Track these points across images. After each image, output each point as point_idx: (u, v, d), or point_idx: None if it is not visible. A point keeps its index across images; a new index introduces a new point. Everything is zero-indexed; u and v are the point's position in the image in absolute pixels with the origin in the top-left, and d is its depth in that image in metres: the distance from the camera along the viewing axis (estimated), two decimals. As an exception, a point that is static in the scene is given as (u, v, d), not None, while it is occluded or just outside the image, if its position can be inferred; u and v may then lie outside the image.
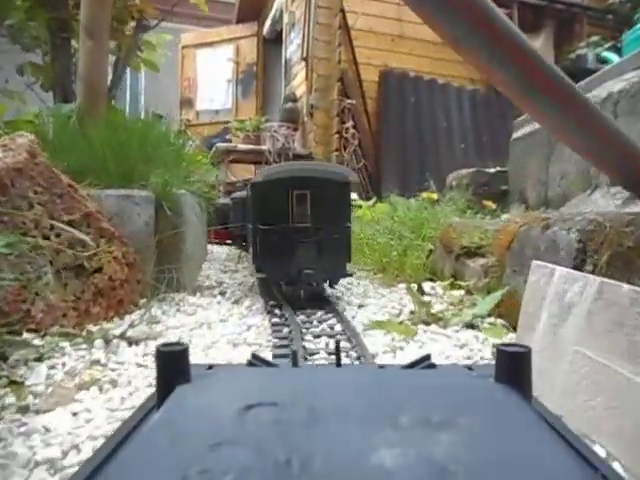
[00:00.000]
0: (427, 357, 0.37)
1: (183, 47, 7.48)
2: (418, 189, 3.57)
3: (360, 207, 2.47)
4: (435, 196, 2.32)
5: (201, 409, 0.25)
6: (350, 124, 4.91)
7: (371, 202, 2.52)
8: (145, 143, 1.68)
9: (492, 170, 3.18)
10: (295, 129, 5.41)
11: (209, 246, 2.95)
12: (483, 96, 5.29)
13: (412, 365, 0.36)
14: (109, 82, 2.29)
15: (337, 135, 4.91)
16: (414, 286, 1.30)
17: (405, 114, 5.00)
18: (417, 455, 0.20)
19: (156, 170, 1.56)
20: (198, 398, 0.27)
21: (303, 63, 5.47)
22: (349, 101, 4.89)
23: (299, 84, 5.64)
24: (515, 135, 2.93)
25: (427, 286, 1.41)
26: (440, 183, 3.43)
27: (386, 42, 5.15)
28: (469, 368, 0.36)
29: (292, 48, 6.03)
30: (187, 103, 7.49)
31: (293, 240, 1.31)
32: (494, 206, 2.15)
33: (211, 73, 7.34)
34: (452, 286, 1.27)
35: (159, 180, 1.50)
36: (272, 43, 6.93)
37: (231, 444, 0.21)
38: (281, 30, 6.38)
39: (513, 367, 0.28)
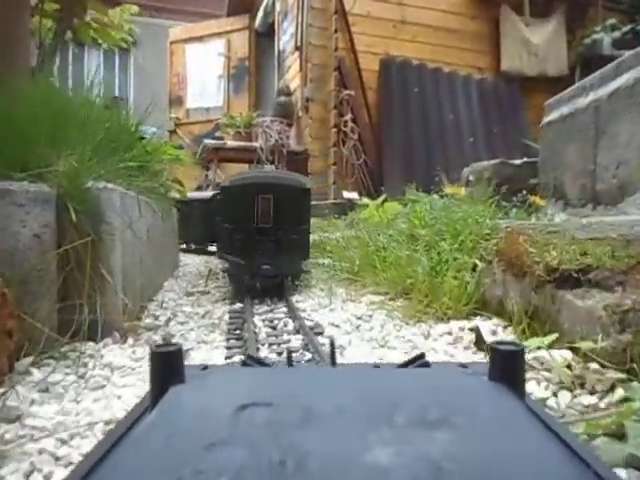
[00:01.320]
0: (421, 356, 0.35)
1: (172, 42, 6.93)
2: (428, 185, 3.03)
3: (366, 207, 1.91)
4: (463, 191, 1.77)
5: (195, 410, 0.25)
6: (349, 117, 4.35)
7: (379, 200, 1.97)
8: (62, 120, 1.13)
9: (518, 161, 2.64)
10: (289, 124, 4.86)
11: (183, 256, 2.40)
12: (491, 85, 4.74)
13: (407, 364, 0.35)
14: (45, 50, 1.74)
15: (335, 129, 4.35)
16: (472, 328, 0.75)
17: (408, 106, 4.44)
18: (412, 453, 0.20)
19: (67, 153, 1.01)
20: (192, 399, 0.26)
21: (297, 53, 4.91)
22: (347, 92, 4.34)
23: (293, 76, 5.08)
24: (547, 118, 2.38)
25: (484, 328, 0.86)
26: (449, 179, 2.90)
27: (387, 28, 4.59)
28: (463, 366, 0.34)
29: (285, 38, 5.48)
30: (177, 101, 6.94)
31: (256, 239, 1.38)
32: (542, 203, 1.60)
33: (201, 69, 6.79)
34: (539, 338, 0.71)
35: (63, 168, 0.95)
36: (265, 36, 6.38)
37: (226, 444, 0.20)
38: (274, 22, 5.84)
39: (506, 366, 0.27)
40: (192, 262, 2.32)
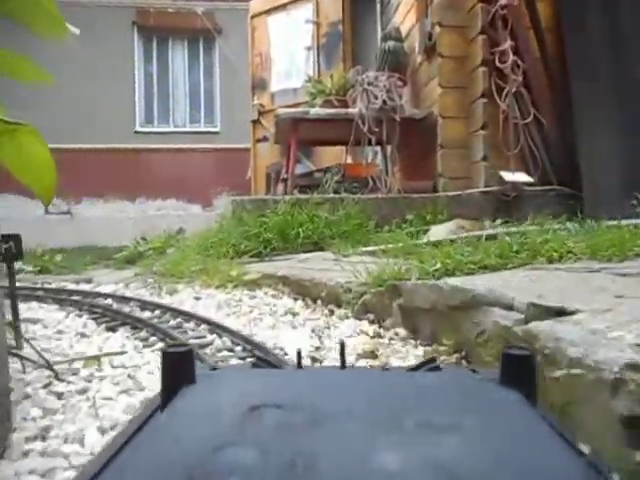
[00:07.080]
0: (432, 360, 0.33)
1: (252, 16, 5.39)
2: None
3: None
4: None
5: (206, 410, 0.24)
6: (507, 45, 2.38)
7: None
8: None
9: None
10: (402, 80, 3.00)
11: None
12: None
13: (417, 367, 0.32)
14: None
15: (484, 68, 2.41)
16: None
17: (615, 21, 2.36)
18: (420, 457, 0.19)
19: None
20: (203, 399, 0.25)
21: (411, -22, 3.04)
22: (504, 1, 2.38)
23: (404, 15, 3.22)
24: None
25: None
26: None
27: None
28: (474, 371, 0.31)
29: (391, -29, 3.64)
30: (260, 85, 5.37)
31: None
32: None
33: (287, 43, 5.15)
34: None
35: None
36: (362, -8, 4.61)
37: (236, 445, 0.20)
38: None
39: (518, 370, 0.25)
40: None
